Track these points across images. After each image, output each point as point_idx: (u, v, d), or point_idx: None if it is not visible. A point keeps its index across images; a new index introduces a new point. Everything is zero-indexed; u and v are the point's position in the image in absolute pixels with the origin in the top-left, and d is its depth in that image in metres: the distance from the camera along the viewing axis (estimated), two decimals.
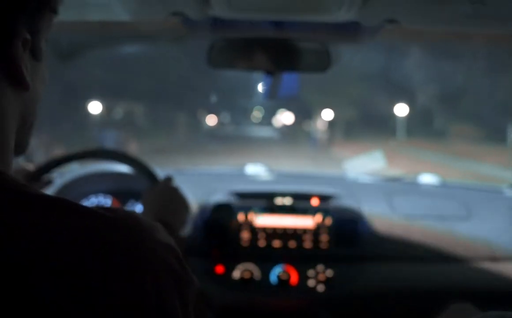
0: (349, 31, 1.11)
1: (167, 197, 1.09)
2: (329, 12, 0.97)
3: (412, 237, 1.53)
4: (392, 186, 1.85)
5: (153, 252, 0.47)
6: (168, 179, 1.14)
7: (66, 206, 0.45)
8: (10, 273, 0.40)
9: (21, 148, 0.58)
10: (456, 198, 1.70)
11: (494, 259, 1.52)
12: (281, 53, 1.17)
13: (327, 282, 1.44)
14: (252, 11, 0.99)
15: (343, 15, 0.98)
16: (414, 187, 1.91)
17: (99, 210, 0.47)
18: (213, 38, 1.18)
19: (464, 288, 1.48)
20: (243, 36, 1.18)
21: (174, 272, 0.49)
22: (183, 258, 0.52)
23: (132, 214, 0.49)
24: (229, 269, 1.45)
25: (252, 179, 1.91)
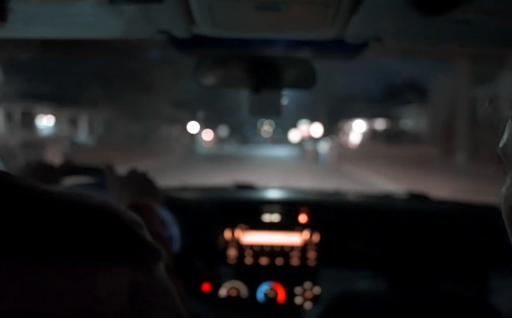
0: (334, 48, 1.13)
1: (136, 176, 1.06)
2: (313, 30, 0.99)
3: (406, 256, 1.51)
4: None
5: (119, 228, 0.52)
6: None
7: (40, 193, 0.49)
8: None
9: None
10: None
11: None
12: (266, 71, 1.19)
13: (314, 299, 1.43)
14: (236, 29, 1.00)
15: (326, 33, 0.99)
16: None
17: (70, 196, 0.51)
18: (199, 55, 1.19)
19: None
20: (228, 54, 1.20)
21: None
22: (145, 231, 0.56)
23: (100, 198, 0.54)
24: (216, 287, 1.44)
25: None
